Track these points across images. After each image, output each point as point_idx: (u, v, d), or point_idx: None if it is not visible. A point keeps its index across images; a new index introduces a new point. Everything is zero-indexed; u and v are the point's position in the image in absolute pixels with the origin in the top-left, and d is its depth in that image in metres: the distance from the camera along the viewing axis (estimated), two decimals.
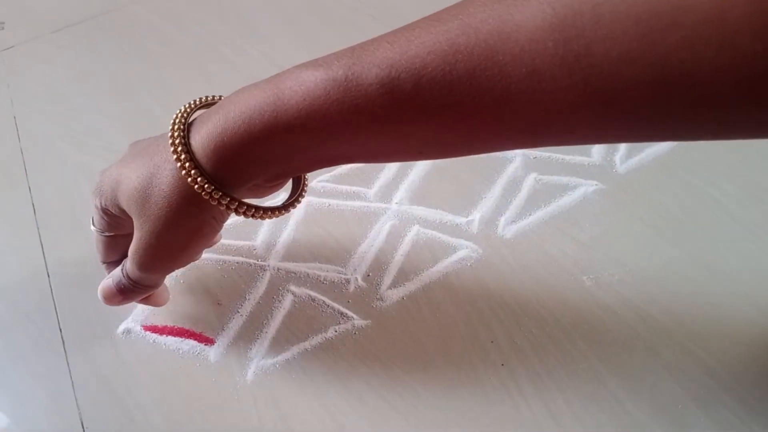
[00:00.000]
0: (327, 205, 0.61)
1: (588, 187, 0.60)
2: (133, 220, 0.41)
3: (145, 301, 0.51)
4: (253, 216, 0.40)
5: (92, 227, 0.47)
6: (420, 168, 0.63)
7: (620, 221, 0.58)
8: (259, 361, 0.51)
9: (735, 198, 0.58)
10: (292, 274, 0.56)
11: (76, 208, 0.62)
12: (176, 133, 0.38)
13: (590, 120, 0.32)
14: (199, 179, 0.37)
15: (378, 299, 0.54)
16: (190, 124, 0.39)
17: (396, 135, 0.35)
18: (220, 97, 0.43)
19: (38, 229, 0.61)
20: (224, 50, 0.77)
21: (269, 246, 0.58)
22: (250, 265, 0.57)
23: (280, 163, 0.38)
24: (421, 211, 0.60)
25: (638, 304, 0.52)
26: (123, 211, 0.42)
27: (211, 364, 0.51)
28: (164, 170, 0.38)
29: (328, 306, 0.54)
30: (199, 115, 0.40)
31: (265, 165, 0.38)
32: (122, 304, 0.49)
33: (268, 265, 0.57)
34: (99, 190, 0.43)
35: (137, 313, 0.54)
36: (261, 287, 0.56)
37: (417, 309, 0.53)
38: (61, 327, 0.54)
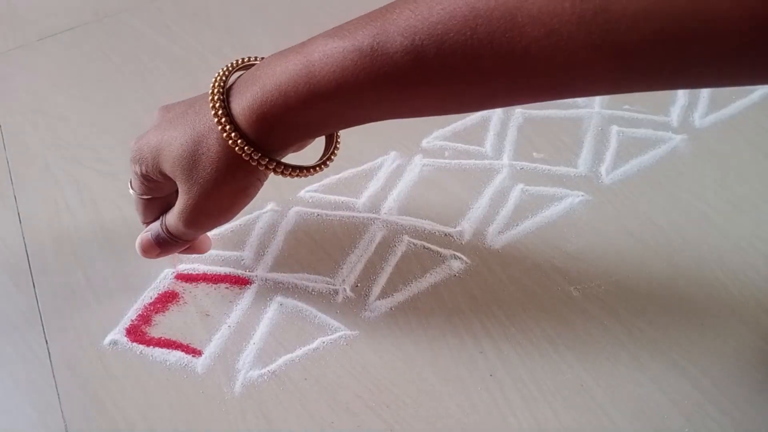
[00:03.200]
0: (316, 215, 0.61)
1: (574, 198, 0.61)
2: (179, 184, 0.43)
3: (189, 250, 0.54)
4: (297, 176, 0.43)
5: (131, 191, 0.49)
6: (408, 178, 0.63)
7: (607, 233, 0.58)
8: (246, 372, 0.51)
9: (722, 212, 0.59)
10: (280, 285, 0.56)
11: (63, 219, 0.62)
12: (217, 102, 0.40)
13: (611, 75, 0.33)
14: (246, 148, 0.40)
15: (366, 310, 0.54)
16: (229, 89, 0.42)
17: (421, 96, 0.37)
18: (255, 58, 0.45)
19: (24, 239, 0.60)
20: (214, 61, 0.77)
21: (258, 256, 0.58)
22: (238, 275, 0.57)
23: (317, 127, 0.41)
24: (409, 221, 0.60)
25: (625, 315, 0.53)
26: (165, 176, 0.44)
27: (199, 376, 0.51)
28: (209, 138, 0.41)
29: (316, 317, 0.54)
30: (235, 82, 0.42)
31: (303, 129, 0.41)
32: (160, 257, 0.52)
33: (256, 276, 0.57)
34: (139, 158, 0.44)
35: (124, 322, 0.54)
36: (249, 298, 0.55)
37: (405, 320, 0.54)
38: (47, 339, 0.54)
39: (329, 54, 0.37)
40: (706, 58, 0.30)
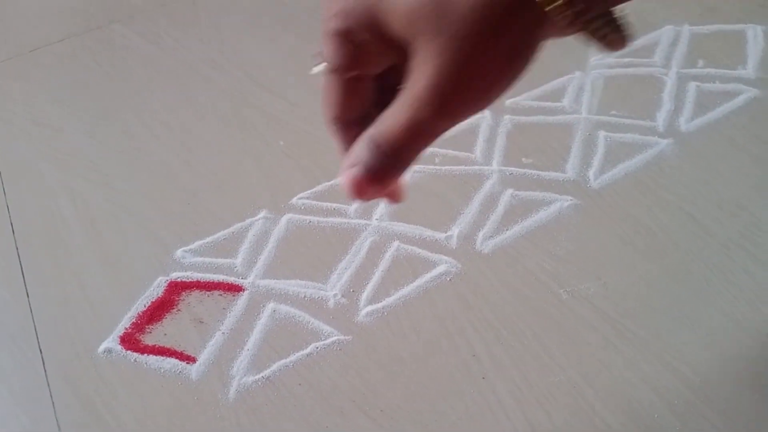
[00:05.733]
0: (308, 221, 0.61)
1: (563, 202, 0.61)
2: (420, 44, 0.28)
3: (391, 195, 0.35)
4: (603, 39, 0.27)
5: (316, 68, 0.32)
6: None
7: (596, 236, 0.59)
8: (241, 378, 0.51)
9: (709, 213, 0.60)
10: (273, 291, 0.56)
11: (57, 228, 0.62)
12: None
13: None
14: None
15: (359, 315, 0.55)
16: None
17: None
18: None
19: (17, 249, 0.61)
20: (205, 70, 0.77)
21: (250, 263, 0.59)
22: (231, 282, 0.57)
23: None
24: (400, 227, 0.60)
25: (615, 317, 0.53)
26: (382, 37, 0.29)
27: (193, 383, 0.51)
28: None
29: (309, 322, 0.54)
30: None
31: None
32: (376, 196, 0.33)
33: (249, 283, 0.57)
34: (343, 10, 0.29)
35: (118, 330, 0.54)
36: (242, 304, 0.56)
37: (398, 324, 0.54)
38: (42, 348, 0.54)
39: None
40: None
